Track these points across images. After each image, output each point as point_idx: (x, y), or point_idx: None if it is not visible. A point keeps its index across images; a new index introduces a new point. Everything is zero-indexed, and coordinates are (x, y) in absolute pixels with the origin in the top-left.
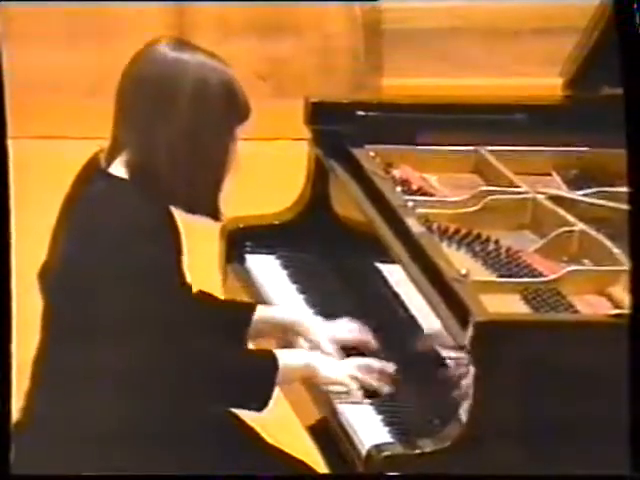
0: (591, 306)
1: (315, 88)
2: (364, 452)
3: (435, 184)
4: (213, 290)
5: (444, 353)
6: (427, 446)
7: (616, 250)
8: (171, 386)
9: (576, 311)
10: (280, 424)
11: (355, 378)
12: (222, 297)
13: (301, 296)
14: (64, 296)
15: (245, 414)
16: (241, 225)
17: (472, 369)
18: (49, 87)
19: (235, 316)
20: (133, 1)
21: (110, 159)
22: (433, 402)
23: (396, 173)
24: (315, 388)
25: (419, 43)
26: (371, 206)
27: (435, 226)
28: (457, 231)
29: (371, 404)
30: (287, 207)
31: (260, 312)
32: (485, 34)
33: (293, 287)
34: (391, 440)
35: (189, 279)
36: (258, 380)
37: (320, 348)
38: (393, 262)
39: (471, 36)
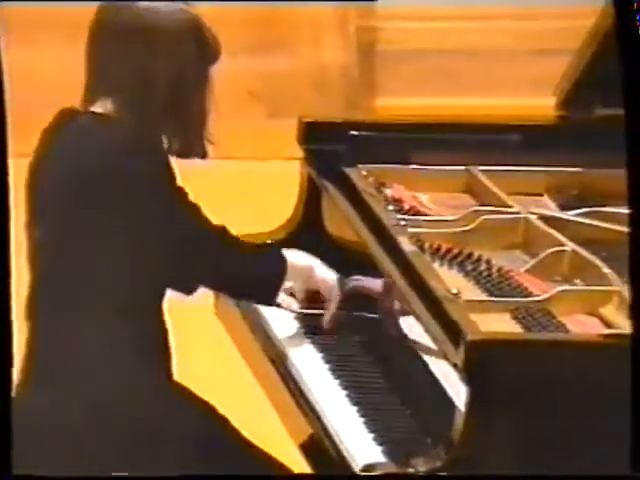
0: (582, 326)
1: (308, 108)
2: (357, 471)
3: (427, 203)
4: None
5: (436, 371)
6: (419, 465)
7: (607, 270)
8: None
9: (567, 331)
10: (271, 441)
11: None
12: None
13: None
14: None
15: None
16: None
17: (464, 387)
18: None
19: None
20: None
21: (87, 106)
22: (426, 421)
23: (388, 192)
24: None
25: (413, 63)
26: (363, 225)
27: (427, 245)
28: (449, 250)
29: (364, 423)
30: (280, 225)
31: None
32: (478, 55)
33: None
34: (383, 459)
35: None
36: (272, 272)
37: None
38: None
39: (464, 56)
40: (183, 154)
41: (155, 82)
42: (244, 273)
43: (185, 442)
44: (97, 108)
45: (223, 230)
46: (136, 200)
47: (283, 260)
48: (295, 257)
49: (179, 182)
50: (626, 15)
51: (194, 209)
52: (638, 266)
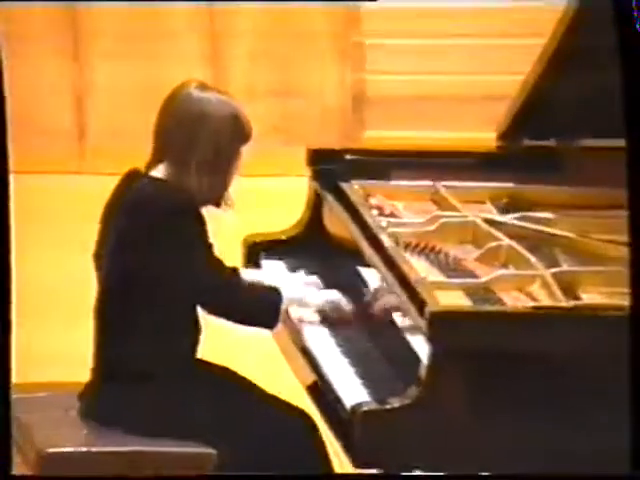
0: (515, 300)
1: (315, 138)
2: (349, 407)
3: (402, 210)
4: None
5: (407, 334)
6: (394, 402)
7: (533, 259)
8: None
9: (504, 304)
10: (283, 385)
11: (326, 307)
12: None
13: None
14: (119, 254)
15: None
16: (257, 239)
17: (428, 346)
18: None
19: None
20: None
21: (149, 169)
22: (400, 371)
23: (373, 201)
24: (290, 324)
25: (393, 106)
26: (354, 226)
27: (402, 241)
28: (417, 245)
29: (354, 372)
30: (292, 226)
31: (245, 275)
32: (443, 100)
33: None
34: (368, 399)
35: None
36: (270, 303)
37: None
38: (370, 267)
39: (432, 101)
40: (206, 204)
41: (199, 153)
42: (253, 306)
43: (209, 407)
44: (155, 172)
45: (236, 275)
46: (174, 251)
47: (279, 294)
48: (286, 290)
49: (209, 239)
50: (626, 17)
51: (217, 262)
52: (638, 263)
